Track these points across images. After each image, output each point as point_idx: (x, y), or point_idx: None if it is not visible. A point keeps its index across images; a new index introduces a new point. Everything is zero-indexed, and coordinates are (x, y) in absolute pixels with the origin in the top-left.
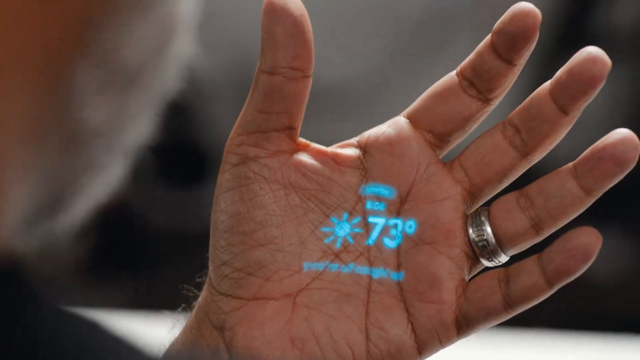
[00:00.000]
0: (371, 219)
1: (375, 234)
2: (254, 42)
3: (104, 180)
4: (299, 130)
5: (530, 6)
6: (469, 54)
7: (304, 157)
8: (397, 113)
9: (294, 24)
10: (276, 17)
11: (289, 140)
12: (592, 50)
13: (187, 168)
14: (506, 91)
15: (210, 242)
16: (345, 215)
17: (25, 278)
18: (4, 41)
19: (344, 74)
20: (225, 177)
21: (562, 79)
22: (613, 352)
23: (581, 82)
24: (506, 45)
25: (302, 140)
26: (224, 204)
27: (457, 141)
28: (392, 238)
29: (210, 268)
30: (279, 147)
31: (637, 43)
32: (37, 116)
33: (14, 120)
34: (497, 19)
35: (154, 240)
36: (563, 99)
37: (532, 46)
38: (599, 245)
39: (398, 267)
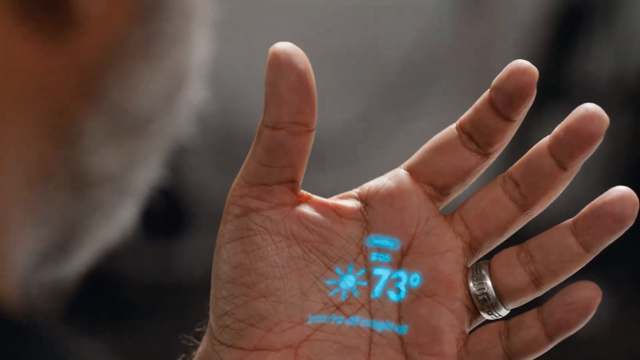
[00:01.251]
0: (376, 271)
1: (380, 286)
2: (235, 98)
3: (113, 224)
4: (300, 182)
5: (527, 64)
6: (453, 98)
7: (306, 209)
8: (380, 161)
9: (298, 79)
10: (281, 70)
11: (291, 193)
12: (589, 107)
13: (168, 219)
14: (505, 145)
15: (212, 292)
16: (351, 267)
17: (28, 327)
18: (14, 87)
19: (325, 125)
20: (227, 227)
21: (560, 136)
22: None
23: (579, 138)
24: (504, 103)
25: (303, 192)
26: (226, 255)
27: (456, 194)
28: (397, 291)
29: (211, 318)
30: (281, 199)
31: (613, 93)
32: (45, 161)
33: (22, 165)
34: (478, 67)
35: (131, 291)
36: (562, 155)
37: (530, 103)
38: (599, 300)
39: (399, 319)
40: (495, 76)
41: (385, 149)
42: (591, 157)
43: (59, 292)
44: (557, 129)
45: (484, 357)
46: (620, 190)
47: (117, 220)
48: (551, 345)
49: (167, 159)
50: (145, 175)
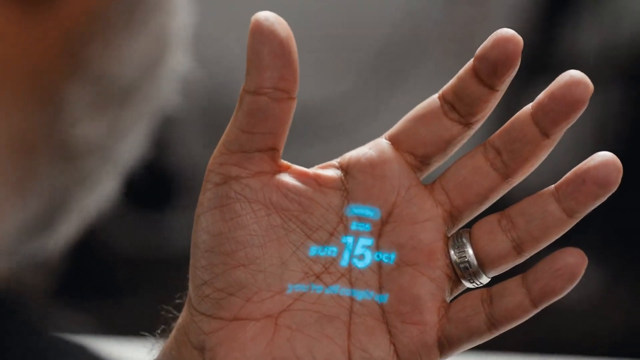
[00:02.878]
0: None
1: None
2: (221, 69)
3: (96, 195)
4: (281, 151)
5: (512, 32)
6: (439, 74)
7: (286, 178)
8: (368, 134)
9: (280, 45)
10: (263, 37)
11: (271, 161)
12: (574, 73)
13: (153, 192)
14: (487, 115)
15: (191, 262)
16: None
17: (14, 300)
18: None
19: (315, 97)
20: (207, 196)
21: (544, 103)
22: None
23: (564, 105)
24: (488, 71)
25: (283, 162)
26: (205, 224)
27: (437, 164)
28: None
29: (191, 288)
30: (261, 167)
31: (600, 68)
32: (29, 131)
33: (6, 137)
34: (466, 39)
35: (119, 265)
36: (545, 122)
37: (514, 72)
38: (585, 266)
39: (380, 288)
40: None
41: (372, 125)
42: (578, 131)
43: (44, 265)
44: (540, 96)
45: (467, 323)
46: (605, 155)
47: (101, 192)
48: (535, 312)
49: (153, 129)
50: (130, 145)
